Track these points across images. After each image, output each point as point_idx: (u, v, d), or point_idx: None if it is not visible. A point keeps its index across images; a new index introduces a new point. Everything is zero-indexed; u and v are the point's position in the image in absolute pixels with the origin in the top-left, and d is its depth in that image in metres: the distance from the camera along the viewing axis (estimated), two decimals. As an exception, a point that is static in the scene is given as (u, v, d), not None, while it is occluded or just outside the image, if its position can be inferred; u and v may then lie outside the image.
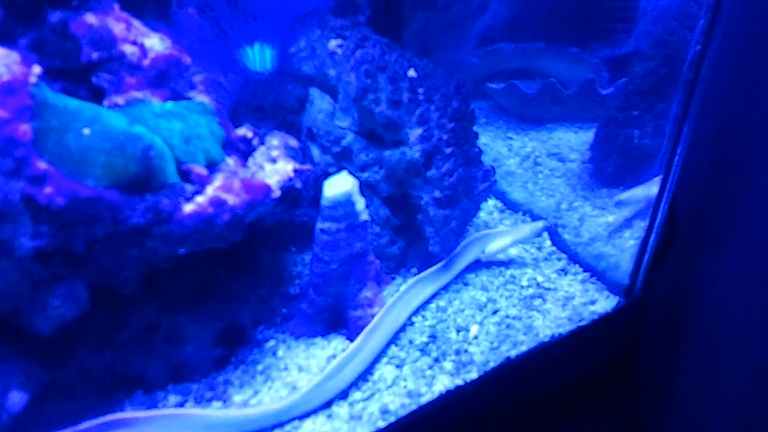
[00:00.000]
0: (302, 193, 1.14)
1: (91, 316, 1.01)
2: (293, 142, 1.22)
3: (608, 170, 1.72)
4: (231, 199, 1.02)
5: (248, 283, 1.19)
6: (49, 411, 1.04)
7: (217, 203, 1.01)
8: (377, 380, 1.17)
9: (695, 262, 1.36)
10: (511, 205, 1.69)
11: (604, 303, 1.38)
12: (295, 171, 1.12)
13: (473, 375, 1.19)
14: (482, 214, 1.63)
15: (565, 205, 1.67)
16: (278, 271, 1.28)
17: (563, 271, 1.48)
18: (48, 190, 0.89)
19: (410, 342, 1.24)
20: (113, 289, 1.03)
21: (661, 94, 1.66)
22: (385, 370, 1.19)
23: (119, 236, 0.96)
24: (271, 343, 1.22)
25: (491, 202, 1.70)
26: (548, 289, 1.42)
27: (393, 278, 1.37)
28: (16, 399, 0.96)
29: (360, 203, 1.15)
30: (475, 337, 1.27)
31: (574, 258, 1.52)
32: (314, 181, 1.18)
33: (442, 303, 1.33)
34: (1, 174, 0.87)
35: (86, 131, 0.92)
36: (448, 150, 1.26)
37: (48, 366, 1.01)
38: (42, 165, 0.89)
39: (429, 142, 1.25)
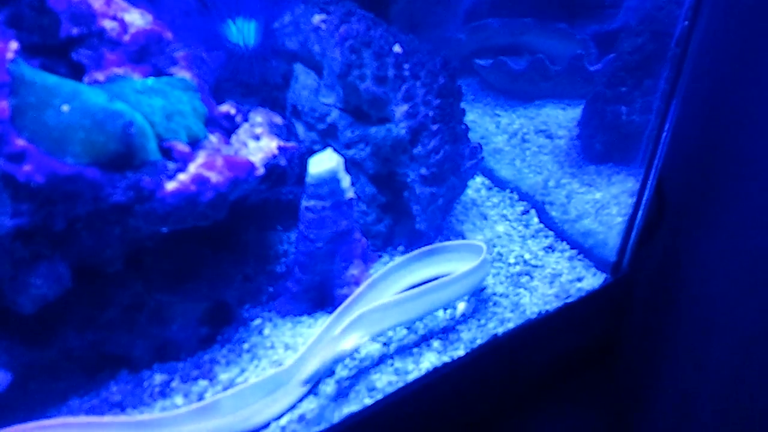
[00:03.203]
0: (287, 170, 1.13)
1: (75, 295, 1.00)
2: (277, 119, 1.21)
3: (596, 147, 1.71)
4: (214, 177, 1.01)
5: (234, 262, 1.18)
6: (34, 390, 1.04)
7: (200, 181, 1.00)
8: (364, 358, 1.17)
9: (682, 240, 1.36)
10: (498, 183, 1.68)
11: (592, 280, 1.38)
12: (280, 148, 1.11)
13: (460, 352, 1.19)
14: (470, 192, 1.62)
15: (552, 183, 1.66)
16: (264, 250, 1.27)
17: (550, 249, 1.48)
18: (27, 167, 0.87)
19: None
20: (96, 268, 1.02)
21: (649, 70, 1.65)
22: (371, 348, 1.19)
23: (100, 214, 0.95)
24: (257, 321, 1.21)
25: (479, 180, 1.69)
26: (535, 266, 1.42)
27: (380, 256, 1.36)
28: (0, 379, 0.95)
29: (345, 181, 1.14)
30: (462, 315, 1.27)
31: (561, 235, 1.52)
32: (299, 159, 1.17)
33: (429, 280, 1.33)
34: (-22, 152, 0.85)
35: (65, 108, 0.90)
36: (435, 127, 1.25)
37: (31, 345, 1.00)
38: (20, 142, 0.87)
39: (415, 119, 1.23)
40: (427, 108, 1.25)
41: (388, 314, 1.13)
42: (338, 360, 1.07)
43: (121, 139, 0.93)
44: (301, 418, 1.05)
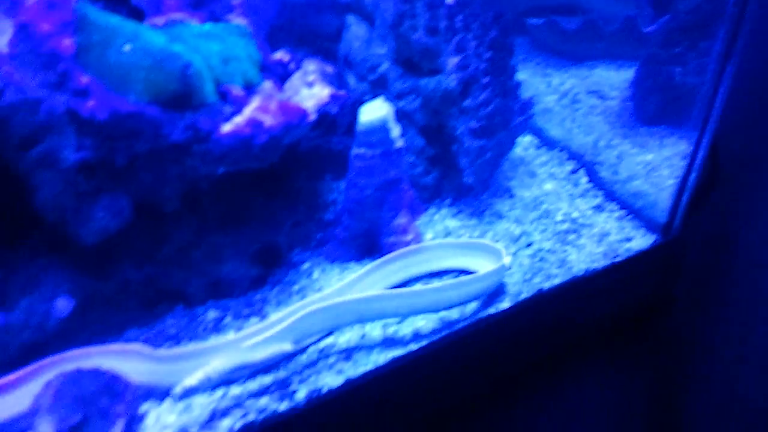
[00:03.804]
0: (338, 118, 1.15)
1: (134, 230, 1.05)
2: (329, 69, 1.22)
3: (649, 108, 1.69)
4: (268, 121, 1.03)
5: (284, 208, 1.22)
6: (93, 321, 1.09)
7: (254, 124, 1.02)
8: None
9: (736, 203, 1.34)
10: (547, 142, 1.67)
11: (641, 241, 1.37)
12: (331, 96, 1.13)
13: (505, 305, 1.20)
14: (518, 150, 1.61)
15: (603, 143, 1.64)
16: (314, 198, 1.30)
17: (599, 208, 1.46)
18: (90, 103, 0.91)
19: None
20: (155, 206, 1.06)
21: (705, 31, 1.61)
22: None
23: (159, 153, 0.98)
24: (306, 265, 1.25)
25: (527, 139, 1.68)
26: (583, 225, 1.41)
27: (426, 208, 1.37)
28: (63, 305, 1.00)
29: (395, 130, 1.15)
30: (508, 268, 1.28)
31: (610, 195, 1.50)
32: (350, 108, 1.18)
33: (475, 233, 1.33)
34: (46, 87, 0.89)
35: (127, 47, 0.93)
36: (485, 80, 1.25)
37: (92, 276, 1.05)
38: (84, 79, 0.91)
39: (466, 71, 1.24)
40: (479, 60, 1.24)
41: (355, 311, 1.07)
42: (245, 367, 0.99)
43: (180, 80, 0.96)
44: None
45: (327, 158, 1.28)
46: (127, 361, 1.00)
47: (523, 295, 1.22)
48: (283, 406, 1.01)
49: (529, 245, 1.33)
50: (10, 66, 0.88)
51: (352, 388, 1.06)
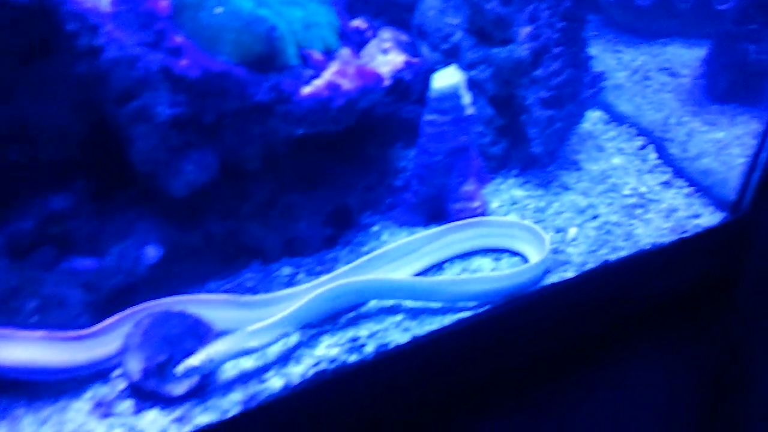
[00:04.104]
0: (411, 85, 1.19)
1: (218, 187, 1.11)
2: (404, 38, 1.26)
3: (721, 86, 1.66)
4: (345, 84, 1.08)
5: (357, 173, 1.27)
6: (177, 271, 1.16)
7: (333, 87, 1.07)
8: (474, 270, 1.22)
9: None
10: (616, 118, 1.66)
11: (709, 218, 1.36)
12: (406, 63, 1.17)
13: (570, 274, 1.22)
14: (587, 125, 1.61)
15: (673, 120, 1.63)
16: (384, 165, 1.34)
17: (667, 184, 1.46)
18: (184, 62, 0.97)
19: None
20: (238, 165, 1.12)
21: (782, 8, 1.58)
22: (483, 262, 1.24)
23: (244, 112, 1.04)
24: (376, 227, 1.29)
25: (596, 114, 1.68)
26: (651, 200, 1.41)
27: (493, 178, 1.40)
28: (152, 253, 1.08)
29: (466, 97, 1.18)
30: (574, 239, 1.29)
31: (679, 172, 1.49)
32: (423, 75, 1.22)
33: (541, 204, 1.35)
34: (143, 45, 0.96)
35: (218, 10, 0.99)
36: (557, 50, 1.26)
37: (179, 228, 1.12)
38: (179, 39, 0.97)
39: (538, 40, 1.25)
40: (551, 30, 1.26)
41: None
42: (247, 352, 1.02)
43: (266, 42, 1.01)
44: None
45: (398, 126, 1.32)
46: (213, 308, 1.07)
47: (589, 266, 1.24)
48: (353, 358, 1.06)
49: (595, 217, 1.34)
50: (112, 24, 0.95)
51: (417, 345, 1.10)
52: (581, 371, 1.26)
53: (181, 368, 0.96)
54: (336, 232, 1.25)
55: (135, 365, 1.00)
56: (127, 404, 1.00)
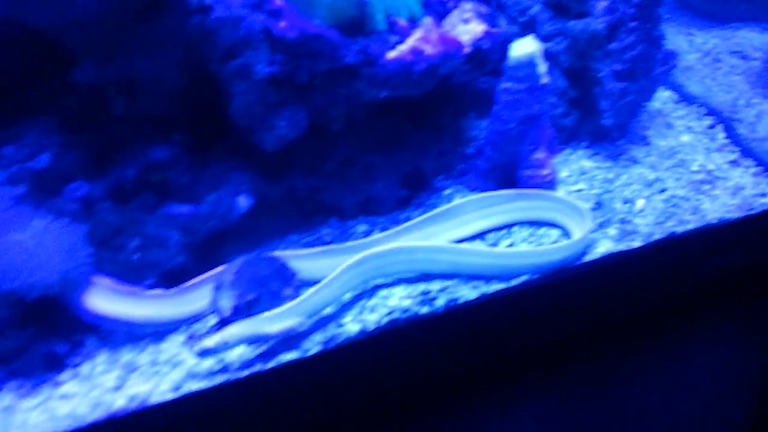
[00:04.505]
0: (488, 54, 1.24)
1: (304, 144, 1.18)
2: (484, 9, 1.31)
3: (794, 69, 1.66)
4: (428, 50, 1.14)
5: (432, 139, 1.32)
6: (262, 222, 1.24)
7: (416, 52, 1.13)
8: (542, 235, 1.27)
9: None
10: (686, 98, 1.68)
11: (777, 197, 1.37)
12: (485, 33, 1.22)
13: (637, 244, 1.25)
14: (656, 104, 1.63)
15: (743, 102, 1.64)
16: (458, 133, 1.40)
17: (735, 163, 1.47)
18: (282, 24, 1.05)
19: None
20: (323, 125, 1.19)
21: None
22: (552, 231, 1.28)
23: (334, 73, 1.11)
24: (448, 191, 1.36)
25: (666, 94, 1.70)
26: (718, 177, 1.43)
27: (563, 149, 1.44)
28: (243, 202, 1.17)
29: (542, 66, 1.22)
30: (641, 211, 1.32)
31: (747, 152, 1.50)
32: (501, 45, 1.27)
33: (609, 175, 1.39)
34: (246, 6, 1.04)
35: (315, -25, 1.06)
36: (632, 24, 1.30)
37: (267, 181, 1.20)
38: (278, 1, 1.05)
39: (614, 14, 1.29)
40: (627, 5, 1.29)
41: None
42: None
43: (357, 7, 1.08)
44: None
45: (472, 97, 1.37)
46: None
47: (655, 237, 1.27)
48: (424, 309, 1.13)
49: (662, 191, 1.37)
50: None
51: (486, 302, 1.16)
52: (640, 343, 1.27)
53: (197, 348, 1.02)
54: (410, 194, 1.32)
55: (226, 302, 1.08)
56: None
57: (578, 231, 1.23)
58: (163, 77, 1.11)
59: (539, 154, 1.29)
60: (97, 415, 0.98)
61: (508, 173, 1.32)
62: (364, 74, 1.11)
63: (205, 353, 1.02)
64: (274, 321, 1.05)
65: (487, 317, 1.17)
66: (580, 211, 1.24)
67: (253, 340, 1.05)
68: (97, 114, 1.18)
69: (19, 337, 1.03)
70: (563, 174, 1.38)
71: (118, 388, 1.03)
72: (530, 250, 1.21)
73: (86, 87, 1.14)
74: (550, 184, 1.31)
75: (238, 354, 1.07)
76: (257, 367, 1.04)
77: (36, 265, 0.97)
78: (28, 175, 1.13)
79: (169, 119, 1.16)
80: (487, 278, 1.17)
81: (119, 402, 1.00)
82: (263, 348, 1.08)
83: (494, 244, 1.26)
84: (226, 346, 1.03)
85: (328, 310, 1.12)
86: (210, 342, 1.01)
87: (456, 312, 1.15)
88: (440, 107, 1.32)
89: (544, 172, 1.30)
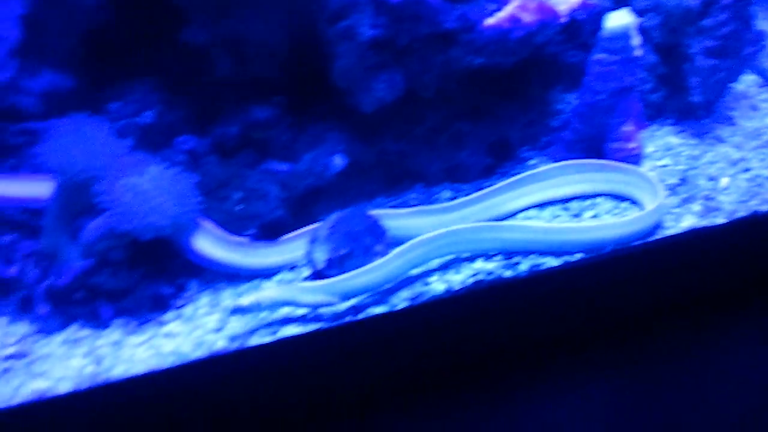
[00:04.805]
0: (583, 25, 1.26)
1: (396, 109, 1.22)
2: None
3: None
4: (526, 17, 1.16)
5: (519, 109, 1.35)
6: (352, 184, 1.29)
7: (514, 20, 1.16)
8: (624, 208, 1.29)
9: None
10: (771, 81, 1.66)
11: None
12: (582, 4, 1.23)
13: (720, 220, 1.25)
14: (741, 86, 1.61)
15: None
16: (544, 105, 1.42)
17: (823, 148, 1.46)
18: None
19: (661, 181, 1.33)
20: (415, 90, 1.22)
21: None
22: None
23: (432, 38, 1.15)
24: (533, 161, 1.38)
25: (751, 77, 1.67)
26: (806, 160, 1.41)
27: (649, 125, 1.44)
28: (338, 162, 1.22)
29: (636, 39, 1.24)
30: (725, 189, 1.32)
31: (835, 139, 1.48)
32: (595, 17, 1.28)
33: (695, 152, 1.39)
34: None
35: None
36: (726, 1, 1.29)
37: (361, 143, 1.25)
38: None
39: (709, -9, 1.29)
40: (722, -18, 1.29)
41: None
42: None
43: (459, -27, 1.11)
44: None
45: (561, 69, 1.39)
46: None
47: (739, 214, 1.27)
48: (508, 273, 1.16)
49: (747, 170, 1.36)
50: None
51: (568, 269, 1.18)
52: (721, 320, 1.27)
53: (233, 306, 1.06)
54: (495, 162, 1.35)
55: (320, 255, 1.13)
56: (309, 288, 1.14)
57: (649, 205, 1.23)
58: (270, 39, 1.16)
59: (627, 127, 1.30)
60: (200, 353, 1.05)
61: (594, 145, 1.33)
62: (462, 40, 1.15)
63: (237, 310, 1.06)
64: (307, 293, 1.08)
65: (569, 284, 1.20)
66: (654, 187, 1.24)
67: (285, 305, 1.09)
68: (199, 74, 1.25)
69: (129, 278, 1.11)
70: (649, 149, 1.39)
71: (219, 329, 1.09)
72: (591, 225, 1.23)
73: (191, 47, 1.21)
74: (636, 158, 1.32)
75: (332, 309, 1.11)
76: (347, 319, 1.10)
77: (151, 208, 1.04)
78: (135, 129, 1.20)
79: (271, 81, 1.22)
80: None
81: (220, 343, 1.07)
82: (354, 302, 1.13)
83: (577, 215, 1.28)
84: (258, 307, 1.06)
85: (416, 271, 1.16)
86: (245, 301, 1.06)
87: (539, 277, 1.17)
88: (528, 78, 1.34)
89: (631, 145, 1.31)
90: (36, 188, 1.10)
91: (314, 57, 1.17)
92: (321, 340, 1.09)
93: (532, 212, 1.29)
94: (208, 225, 1.14)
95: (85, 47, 1.21)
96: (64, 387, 0.99)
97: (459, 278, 1.16)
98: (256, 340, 1.07)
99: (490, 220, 1.24)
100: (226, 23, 1.16)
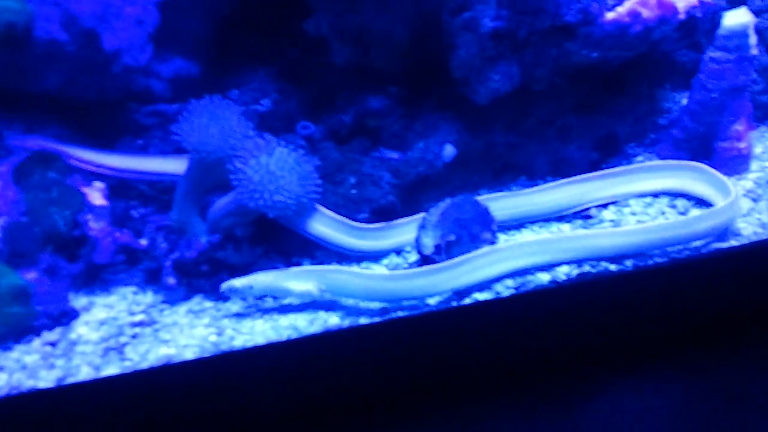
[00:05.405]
0: (699, 23, 1.25)
1: (505, 102, 1.24)
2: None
3: None
4: (645, 12, 1.17)
5: (628, 106, 1.35)
6: (456, 176, 1.31)
7: (634, 14, 1.17)
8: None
9: None
10: None
11: None
12: (699, 1, 1.23)
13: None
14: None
15: None
16: (653, 102, 1.42)
17: None
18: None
19: (766, 182, 1.32)
20: (528, 83, 1.24)
21: None
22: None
23: (551, 31, 1.16)
24: (639, 158, 1.38)
25: None
26: None
27: (757, 126, 1.43)
28: (449, 152, 1.25)
29: (753, 37, 1.22)
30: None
31: None
32: (712, 16, 1.27)
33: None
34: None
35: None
36: None
37: (470, 134, 1.27)
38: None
39: (830, -9, 1.26)
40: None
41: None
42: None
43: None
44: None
45: (672, 68, 1.39)
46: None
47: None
48: (613, 267, 1.16)
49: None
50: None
51: (675, 266, 1.18)
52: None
53: (225, 286, 1.08)
54: (601, 157, 1.35)
55: (429, 241, 1.16)
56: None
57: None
58: (391, 31, 1.20)
59: (738, 126, 1.29)
60: (314, 329, 1.09)
61: (703, 144, 1.32)
62: (581, 33, 1.16)
63: (230, 291, 1.09)
64: (300, 278, 1.10)
65: (675, 281, 1.19)
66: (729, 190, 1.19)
67: (275, 292, 1.11)
68: (316, 64, 1.30)
69: (251, 253, 1.16)
70: (758, 150, 1.37)
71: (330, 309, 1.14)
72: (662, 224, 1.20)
73: (309, 38, 1.26)
74: (744, 158, 1.31)
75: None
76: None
77: (278, 187, 1.08)
78: (254, 116, 1.26)
79: (387, 71, 1.25)
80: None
81: (333, 320, 1.11)
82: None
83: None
84: (250, 290, 1.09)
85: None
86: (238, 282, 1.08)
87: (645, 273, 1.17)
88: (639, 76, 1.35)
89: (742, 145, 1.30)
90: (169, 165, 1.17)
91: (433, 48, 1.20)
92: (424, 323, 1.11)
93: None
94: (322, 208, 1.18)
95: (214, 36, 1.27)
96: (189, 354, 1.05)
97: (564, 270, 1.16)
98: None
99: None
100: (351, 15, 1.20)
